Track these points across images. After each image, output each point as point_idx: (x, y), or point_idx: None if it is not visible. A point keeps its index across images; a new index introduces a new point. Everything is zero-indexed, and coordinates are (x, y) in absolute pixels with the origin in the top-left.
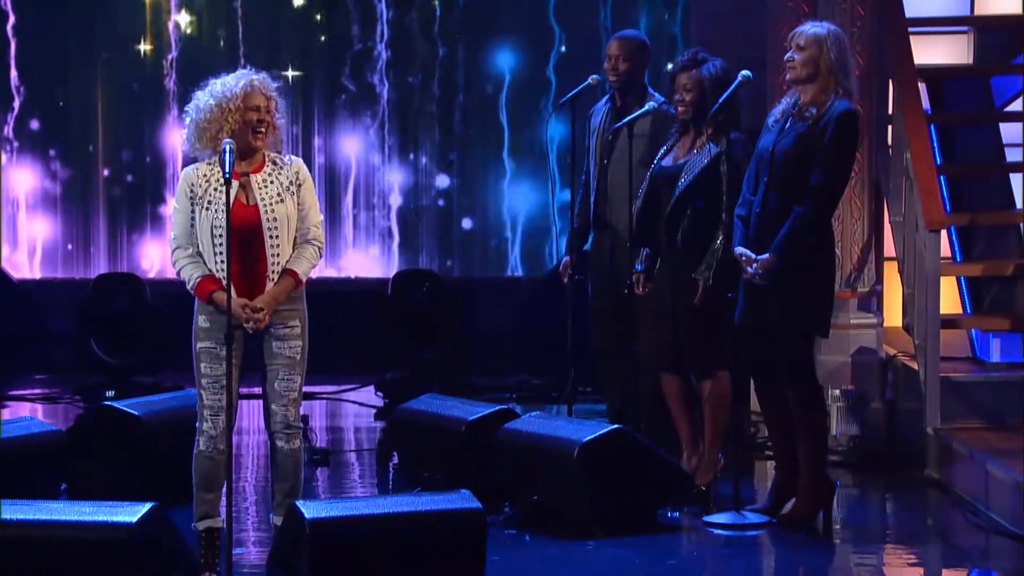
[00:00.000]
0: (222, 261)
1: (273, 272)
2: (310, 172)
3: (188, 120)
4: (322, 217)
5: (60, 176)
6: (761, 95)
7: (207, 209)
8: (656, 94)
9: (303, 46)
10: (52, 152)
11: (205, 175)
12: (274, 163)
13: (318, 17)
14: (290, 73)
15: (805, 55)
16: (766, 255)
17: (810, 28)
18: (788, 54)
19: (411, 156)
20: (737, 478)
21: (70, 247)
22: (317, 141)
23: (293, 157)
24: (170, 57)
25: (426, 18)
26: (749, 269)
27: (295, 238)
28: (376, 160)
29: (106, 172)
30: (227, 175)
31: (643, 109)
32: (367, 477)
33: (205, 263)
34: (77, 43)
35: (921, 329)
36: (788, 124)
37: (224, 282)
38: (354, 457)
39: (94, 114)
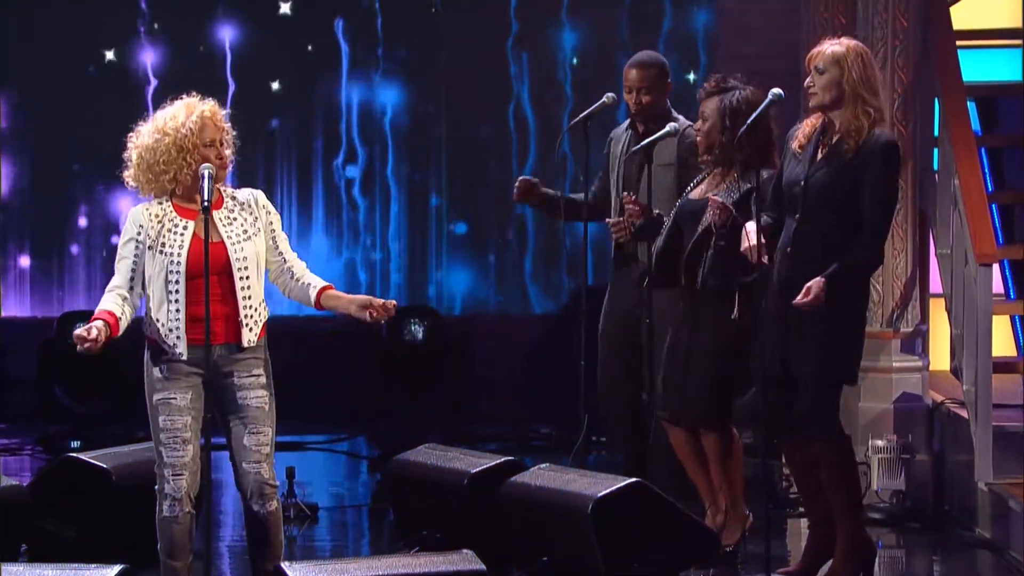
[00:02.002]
0: (177, 309)
1: (247, 316)
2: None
3: (135, 158)
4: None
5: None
6: (795, 112)
7: (161, 253)
8: (681, 118)
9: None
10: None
11: (157, 215)
12: (233, 198)
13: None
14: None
15: (825, 78)
16: (818, 279)
17: (828, 47)
18: (808, 78)
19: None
20: (768, 537)
21: (33, 283)
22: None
23: (252, 190)
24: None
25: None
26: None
27: (267, 276)
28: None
29: (72, 197)
30: (206, 202)
31: (663, 132)
32: (359, 535)
33: (123, 309)
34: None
35: (971, 373)
36: (820, 155)
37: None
38: (345, 514)
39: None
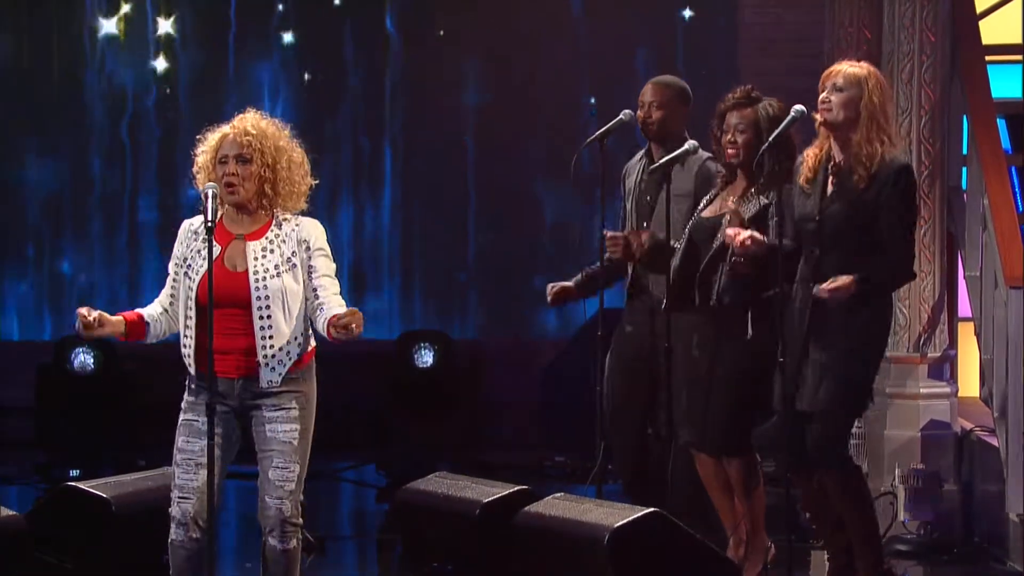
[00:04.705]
0: (188, 336)
1: (267, 356)
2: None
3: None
4: (337, 287)
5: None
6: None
7: (187, 275)
8: (695, 144)
9: None
10: None
11: (196, 233)
12: (280, 226)
13: None
14: None
15: (843, 96)
16: (846, 277)
17: (848, 67)
18: (823, 94)
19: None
20: (790, 569)
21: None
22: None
23: (304, 219)
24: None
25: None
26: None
27: (303, 313)
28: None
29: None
30: (210, 223)
31: (682, 149)
32: (367, 568)
33: (157, 319)
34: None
35: (1001, 400)
36: (830, 187)
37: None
38: (352, 544)
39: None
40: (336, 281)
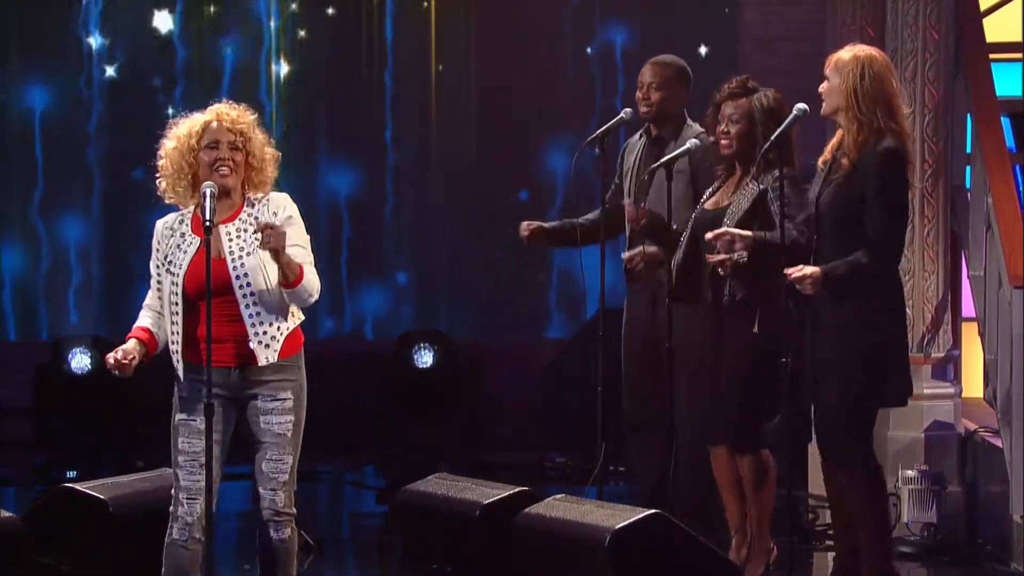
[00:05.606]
0: (177, 332)
1: (259, 333)
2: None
3: (160, 164)
4: (310, 259)
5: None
6: (820, 130)
7: (168, 271)
8: (695, 125)
9: None
10: None
11: (172, 228)
12: (252, 205)
13: None
14: None
15: (827, 85)
16: (811, 268)
17: (839, 54)
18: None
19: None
20: (791, 570)
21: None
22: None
23: (272, 193)
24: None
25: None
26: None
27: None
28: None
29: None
30: (208, 222)
31: (684, 148)
32: (367, 569)
33: (159, 324)
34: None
35: (1005, 401)
36: (828, 170)
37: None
38: (351, 546)
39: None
40: (308, 251)
